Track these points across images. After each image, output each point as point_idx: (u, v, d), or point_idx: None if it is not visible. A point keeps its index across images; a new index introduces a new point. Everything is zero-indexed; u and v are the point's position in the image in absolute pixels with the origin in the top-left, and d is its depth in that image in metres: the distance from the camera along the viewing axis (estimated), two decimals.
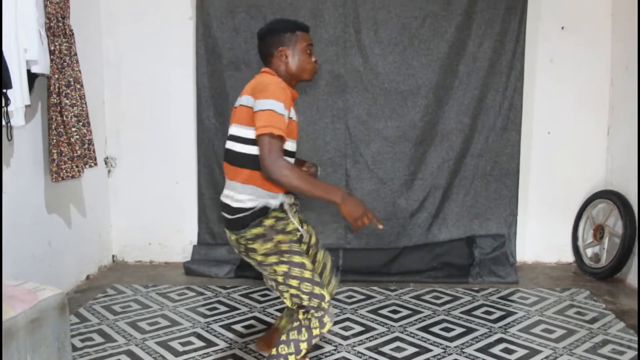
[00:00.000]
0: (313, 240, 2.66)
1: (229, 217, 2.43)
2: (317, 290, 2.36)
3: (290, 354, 2.32)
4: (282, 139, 2.27)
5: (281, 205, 2.42)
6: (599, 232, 4.38)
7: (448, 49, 4.27)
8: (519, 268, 4.46)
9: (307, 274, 2.36)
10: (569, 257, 4.63)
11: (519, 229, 4.49)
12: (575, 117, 4.51)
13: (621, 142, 4.32)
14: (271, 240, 2.37)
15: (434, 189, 4.43)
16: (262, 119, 2.24)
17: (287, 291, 2.38)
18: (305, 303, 2.35)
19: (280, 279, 2.37)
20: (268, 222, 2.37)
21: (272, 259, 2.37)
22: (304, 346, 2.33)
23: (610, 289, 4.05)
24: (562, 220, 4.60)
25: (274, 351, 2.35)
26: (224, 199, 2.47)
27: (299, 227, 2.50)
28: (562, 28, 4.42)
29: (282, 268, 2.36)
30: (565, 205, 4.58)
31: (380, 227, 2.29)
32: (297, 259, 2.37)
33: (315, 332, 2.33)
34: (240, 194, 2.38)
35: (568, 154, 4.54)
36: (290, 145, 2.43)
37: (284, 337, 2.35)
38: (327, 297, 2.37)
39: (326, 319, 2.34)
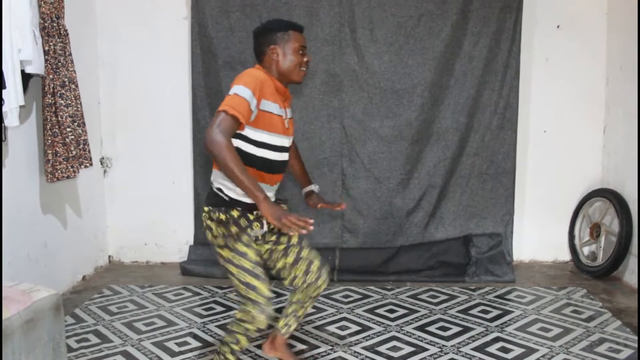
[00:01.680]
0: (294, 240, 2.60)
1: (210, 190, 2.49)
2: (254, 282, 2.38)
3: (233, 342, 2.47)
4: (235, 120, 2.26)
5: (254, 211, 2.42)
6: (596, 230, 4.38)
7: (444, 47, 4.26)
8: (516, 267, 4.46)
9: (247, 264, 2.39)
10: (565, 255, 4.63)
11: (516, 227, 4.49)
12: (571, 116, 4.51)
13: (617, 140, 4.33)
14: (227, 227, 2.40)
15: (431, 188, 4.43)
16: (224, 100, 2.28)
17: (229, 278, 2.48)
18: (242, 293, 2.42)
19: (222, 263, 2.45)
20: (234, 213, 2.40)
21: (220, 241, 2.42)
22: (241, 338, 2.46)
23: (607, 288, 4.06)
24: (558, 219, 4.60)
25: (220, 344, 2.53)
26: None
27: (263, 229, 2.46)
28: (558, 27, 4.42)
29: (226, 253, 2.41)
30: (562, 203, 4.58)
31: (311, 223, 2.23)
32: (240, 247, 2.40)
33: (248, 326, 2.42)
34: (226, 180, 2.41)
35: (564, 153, 4.55)
36: (273, 139, 2.43)
37: (230, 328, 2.49)
38: (266, 293, 2.39)
39: (258, 315, 2.38)
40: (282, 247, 2.60)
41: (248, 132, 2.36)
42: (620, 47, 4.25)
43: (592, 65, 4.45)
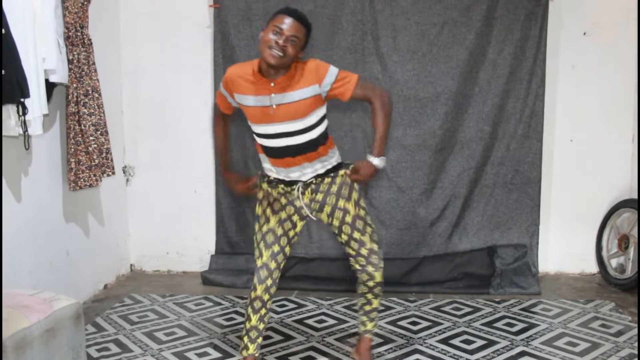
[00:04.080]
0: (348, 218, 2.64)
1: None
2: (260, 245, 2.61)
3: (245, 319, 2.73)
4: (217, 107, 2.78)
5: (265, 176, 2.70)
6: (624, 242, 4.28)
7: (468, 55, 4.21)
8: (541, 279, 4.37)
9: (264, 227, 2.62)
10: (592, 267, 4.53)
11: (541, 238, 4.40)
12: (598, 124, 4.42)
13: (637, 149, 4.22)
14: (263, 181, 2.72)
15: (454, 198, 4.37)
16: None
17: None
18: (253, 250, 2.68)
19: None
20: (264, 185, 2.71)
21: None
22: (248, 310, 2.69)
23: (636, 301, 3.95)
24: (585, 230, 4.50)
25: None
26: None
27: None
28: (584, 34, 4.34)
29: (257, 209, 2.70)
30: (589, 214, 4.48)
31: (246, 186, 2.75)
32: (258, 210, 2.67)
33: (251, 291, 2.66)
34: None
35: (591, 162, 4.45)
36: (258, 129, 2.57)
37: None
38: (265, 258, 2.57)
39: (254, 278, 2.60)
40: (325, 221, 2.67)
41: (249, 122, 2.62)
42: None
43: (621, 72, 4.36)
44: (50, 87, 3.34)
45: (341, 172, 2.67)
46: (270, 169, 2.64)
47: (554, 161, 4.45)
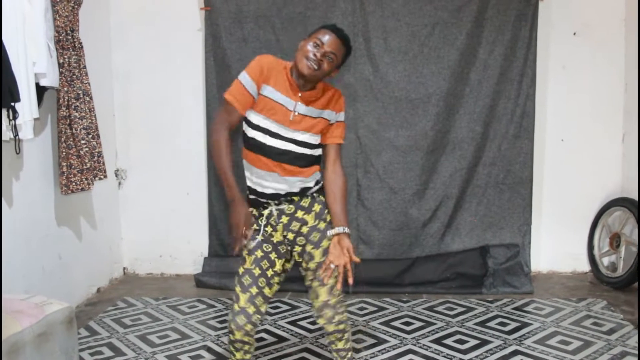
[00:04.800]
0: (312, 265, 2.46)
1: None
2: (237, 288, 2.44)
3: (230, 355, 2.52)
4: (230, 105, 2.35)
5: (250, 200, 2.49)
6: (615, 240, 4.30)
7: (458, 56, 4.23)
8: (534, 278, 4.39)
9: (240, 269, 2.45)
10: (584, 266, 4.55)
11: (533, 238, 4.42)
12: (589, 124, 4.45)
13: (637, 148, 4.24)
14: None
15: (446, 198, 4.38)
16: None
17: None
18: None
19: None
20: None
21: None
22: (231, 348, 2.47)
23: (628, 299, 3.97)
24: (577, 229, 4.52)
25: None
26: None
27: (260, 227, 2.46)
28: (574, 34, 4.37)
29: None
30: (580, 213, 4.51)
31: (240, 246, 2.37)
32: (245, 251, 2.45)
33: (229, 332, 2.43)
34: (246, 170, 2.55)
35: (582, 161, 4.48)
36: (271, 125, 2.38)
37: None
38: (242, 302, 2.39)
39: (231, 323, 2.41)
40: (309, 274, 2.51)
41: (250, 115, 2.40)
42: (638, 53, 4.18)
43: (610, 72, 4.39)
44: (40, 90, 3.34)
45: (315, 207, 2.50)
46: (250, 177, 2.47)
47: (545, 161, 4.48)
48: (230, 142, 2.38)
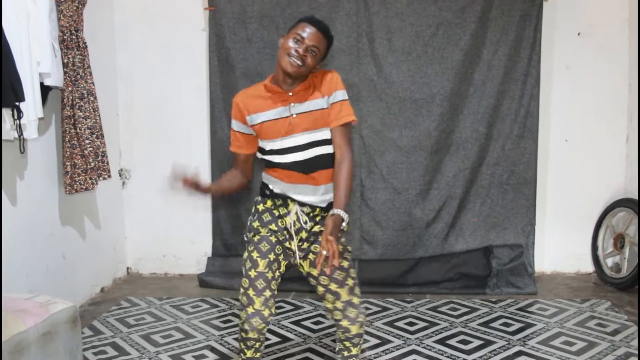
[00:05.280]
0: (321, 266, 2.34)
1: None
2: (250, 291, 2.35)
3: (239, 354, 2.50)
4: (232, 152, 2.54)
5: (273, 194, 2.46)
6: (620, 241, 4.29)
7: (463, 56, 4.22)
8: (538, 278, 4.38)
9: (252, 273, 2.37)
10: (588, 267, 4.54)
11: (537, 238, 4.41)
12: (592, 124, 4.43)
13: (638, 149, 4.23)
14: (252, 219, 2.48)
15: (450, 198, 4.37)
16: None
17: None
18: (239, 296, 2.42)
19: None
20: (265, 205, 2.47)
21: (245, 237, 2.51)
22: (241, 345, 2.45)
23: (632, 300, 3.96)
24: (580, 230, 4.51)
25: None
26: None
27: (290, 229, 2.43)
28: (579, 34, 4.36)
29: (244, 253, 2.46)
30: (584, 214, 4.50)
31: None
32: (252, 250, 2.41)
33: (241, 332, 2.40)
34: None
35: (586, 162, 4.47)
36: (273, 145, 2.40)
37: None
38: (257, 304, 2.33)
39: (245, 324, 2.36)
40: (305, 269, 2.50)
41: (260, 143, 2.45)
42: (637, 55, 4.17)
43: (614, 72, 4.37)
44: (45, 90, 3.34)
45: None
46: (274, 187, 2.44)
47: (549, 161, 4.46)
48: (233, 176, 2.59)
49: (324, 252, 2.17)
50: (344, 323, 2.48)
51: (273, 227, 2.42)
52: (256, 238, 2.42)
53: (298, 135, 2.36)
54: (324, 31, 2.35)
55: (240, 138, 2.47)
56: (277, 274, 2.43)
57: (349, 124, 2.42)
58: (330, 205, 2.40)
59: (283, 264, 2.46)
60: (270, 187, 2.44)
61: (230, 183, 2.59)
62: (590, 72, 4.38)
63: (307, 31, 2.31)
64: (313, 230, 2.43)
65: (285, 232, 2.42)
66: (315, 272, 2.45)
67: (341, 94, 2.42)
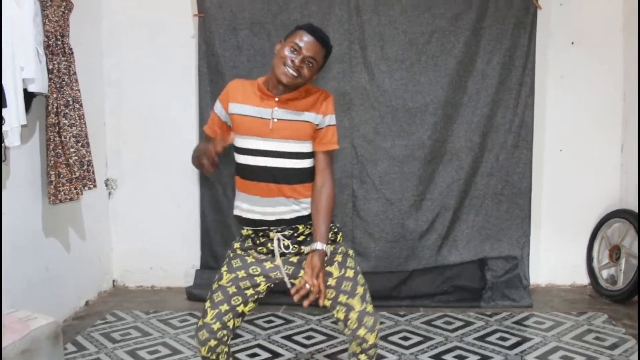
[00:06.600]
0: (330, 281, 2.27)
1: None
2: (206, 303, 2.32)
3: None
4: (205, 134, 2.44)
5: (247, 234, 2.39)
6: (615, 252, 4.23)
7: (456, 65, 4.16)
8: (533, 291, 4.30)
9: (214, 285, 2.35)
10: (583, 279, 4.48)
11: (532, 250, 4.34)
12: (587, 134, 4.39)
13: (635, 158, 4.19)
14: (236, 240, 2.43)
15: (444, 209, 4.30)
16: None
17: None
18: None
19: None
20: (244, 231, 2.40)
21: None
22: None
23: (630, 313, 3.89)
24: (575, 241, 4.46)
25: None
26: None
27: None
28: (572, 43, 4.32)
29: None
30: (579, 224, 4.44)
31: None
32: (223, 265, 2.38)
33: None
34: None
35: (581, 172, 4.42)
36: (248, 142, 2.28)
37: None
38: (208, 317, 2.27)
39: (195, 338, 2.33)
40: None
41: (234, 140, 2.31)
42: (637, 63, 4.14)
43: (609, 81, 4.34)
44: (29, 97, 3.25)
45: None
46: (240, 205, 2.35)
47: (544, 171, 4.41)
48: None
49: (307, 286, 2.13)
50: (361, 332, 2.31)
51: (252, 252, 2.33)
52: (231, 254, 2.38)
53: (276, 140, 2.27)
54: (322, 41, 2.26)
55: (216, 121, 2.39)
56: (250, 291, 2.31)
57: (332, 151, 2.37)
58: (305, 219, 2.32)
59: (263, 285, 2.34)
60: (241, 215, 2.35)
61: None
62: (585, 81, 4.35)
63: (305, 40, 2.22)
64: (300, 251, 2.32)
65: (269, 255, 2.32)
66: (310, 297, 2.25)
67: (334, 119, 2.36)
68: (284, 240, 2.29)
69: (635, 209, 4.13)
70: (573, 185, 4.42)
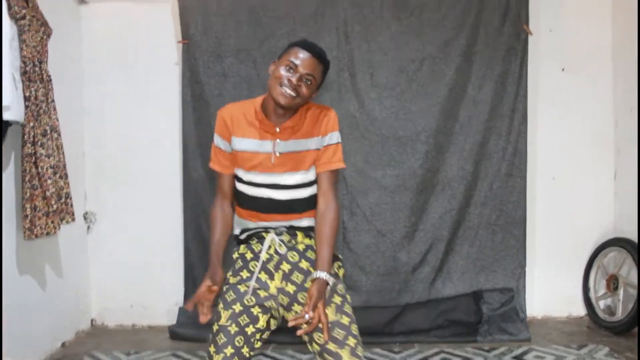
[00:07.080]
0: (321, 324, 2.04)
1: None
2: (210, 348, 2.16)
3: None
4: (216, 171, 2.27)
5: (243, 239, 2.27)
6: (613, 282, 4.13)
7: (447, 92, 4.09)
8: (529, 323, 4.17)
9: (214, 326, 2.18)
10: (580, 310, 4.37)
11: (527, 281, 4.22)
12: (580, 162, 4.33)
13: (629, 186, 4.13)
14: (227, 270, 2.27)
15: (437, 240, 4.17)
16: None
17: None
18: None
19: None
20: (239, 252, 2.28)
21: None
22: None
23: (631, 345, 3.77)
24: (570, 271, 4.36)
25: None
26: None
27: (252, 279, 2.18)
28: (563, 69, 4.29)
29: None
30: (574, 254, 4.35)
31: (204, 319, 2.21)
32: (219, 302, 2.22)
33: None
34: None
35: (574, 200, 4.34)
36: (252, 177, 2.18)
37: None
38: None
39: None
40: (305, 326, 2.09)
41: (236, 170, 2.23)
42: (627, 90, 4.11)
43: (600, 108, 4.31)
44: (4, 125, 3.08)
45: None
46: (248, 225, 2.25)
47: (537, 200, 4.33)
48: (225, 215, 2.27)
49: (307, 317, 1.99)
50: None
51: (244, 273, 2.19)
52: (224, 288, 2.22)
53: (279, 174, 2.15)
54: (319, 56, 2.13)
55: (225, 156, 2.22)
56: (251, 329, 2.15)
57: (338, 170, 2.23)
58: (309, 230, 2.22)
59: (262, 317, 2.17)
60: (243, 227, 2.25)
61: (226, 234, 2.29)
62: (576, 108, 4.31)
63: (301, 57, 2.09)
64: (300, 265, 2.18)
65: (262, 274, 2.19)
66: (305, 327, 2.08)
67: (336, 137, 2.21)
68: (280, 245, 2.19)
69: (631, 237, 4.04)
70: (567, 214, 4.35)
